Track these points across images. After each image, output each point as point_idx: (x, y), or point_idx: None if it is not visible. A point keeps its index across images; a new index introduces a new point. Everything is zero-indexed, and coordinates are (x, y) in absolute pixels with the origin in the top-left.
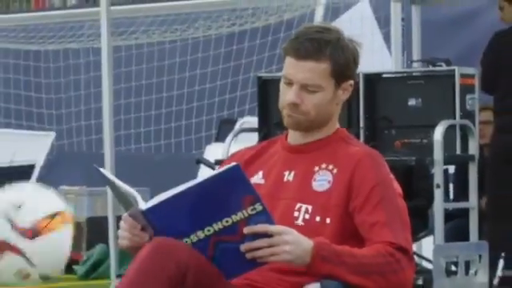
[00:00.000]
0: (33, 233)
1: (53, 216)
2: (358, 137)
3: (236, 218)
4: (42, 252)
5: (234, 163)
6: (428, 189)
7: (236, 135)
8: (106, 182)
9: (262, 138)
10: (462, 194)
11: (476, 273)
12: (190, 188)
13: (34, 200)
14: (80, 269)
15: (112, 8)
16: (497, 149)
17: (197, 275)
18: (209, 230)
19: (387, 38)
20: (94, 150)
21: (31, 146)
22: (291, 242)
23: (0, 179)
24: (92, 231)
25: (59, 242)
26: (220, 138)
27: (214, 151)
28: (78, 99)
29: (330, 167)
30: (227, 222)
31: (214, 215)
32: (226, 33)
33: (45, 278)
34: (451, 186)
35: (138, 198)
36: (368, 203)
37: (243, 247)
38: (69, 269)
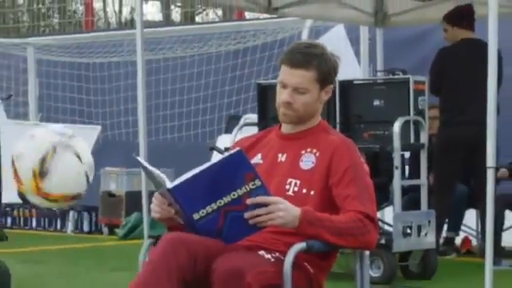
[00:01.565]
0: None
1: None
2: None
3: (240, 191)
4: None
5: (237, 148)
6: (389, 169)
7: (240, 128)
8: (142, 166)
9: (260, 130)
10: (415, 173)
11: (426, 234)
12: (205, 169)
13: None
14: (120, 231)
15: (145, 30)
16: (441, 139)
17: (206, 260)
18: (220, 203)
19: (357, 54)
20: (131, 140)
21: (82, 137)
22: (284, 209)
23: None
24: (129, 202)
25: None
26: (228, 130)
27: (224, 140)
28: (118, 101)
29: (314, 151)
30: (234, 195)
31: (223, 190)
32: (233, 49)
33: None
34: (407, 167)
35: (166, 179)
36: (343, 180)
37: (247, 215)
38: (111, 231)
